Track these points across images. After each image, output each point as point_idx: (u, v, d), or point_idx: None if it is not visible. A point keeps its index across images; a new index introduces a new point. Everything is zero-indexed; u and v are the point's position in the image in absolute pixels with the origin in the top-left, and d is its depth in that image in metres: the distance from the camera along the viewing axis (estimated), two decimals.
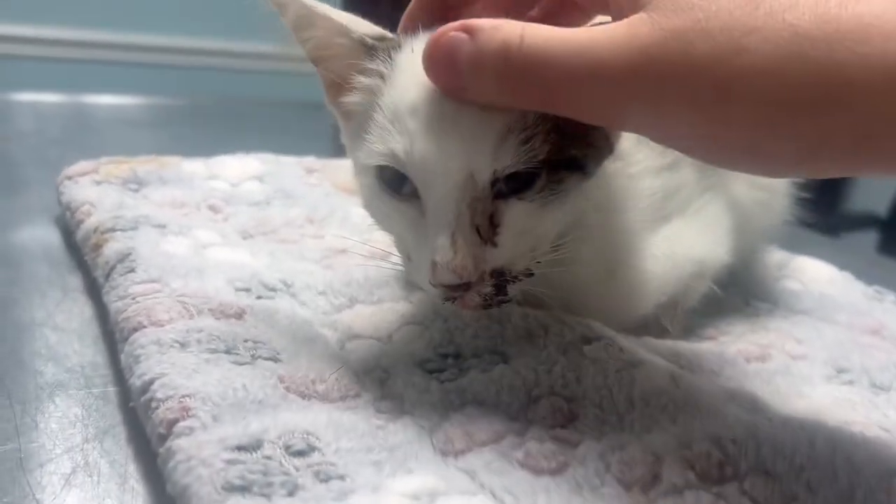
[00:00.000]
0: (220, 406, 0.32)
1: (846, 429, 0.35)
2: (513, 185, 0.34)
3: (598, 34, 0.29)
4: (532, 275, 0.37)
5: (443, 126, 0.34)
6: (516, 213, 0.35)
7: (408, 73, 0.35)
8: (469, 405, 0.35)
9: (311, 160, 0.71)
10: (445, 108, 0.34)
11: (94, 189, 0.59)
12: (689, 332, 0.48)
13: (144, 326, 0.38)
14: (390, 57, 0.37)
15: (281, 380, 0.35)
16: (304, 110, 1.22)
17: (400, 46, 0.37)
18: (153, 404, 0.33)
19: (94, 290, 0.48)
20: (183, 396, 0.32)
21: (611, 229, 0.43)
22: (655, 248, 0.45)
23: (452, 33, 0.31)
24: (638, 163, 0.44)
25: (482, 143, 0.33)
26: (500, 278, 0.35)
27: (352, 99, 0.39)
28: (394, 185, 0.36)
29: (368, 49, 0.37)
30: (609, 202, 0.43)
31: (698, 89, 0.28)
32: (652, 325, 0.46)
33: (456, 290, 0.35)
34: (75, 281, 0.51)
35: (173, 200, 0.60)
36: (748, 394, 0.38)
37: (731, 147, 0.29)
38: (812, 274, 0.56)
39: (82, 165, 0.63)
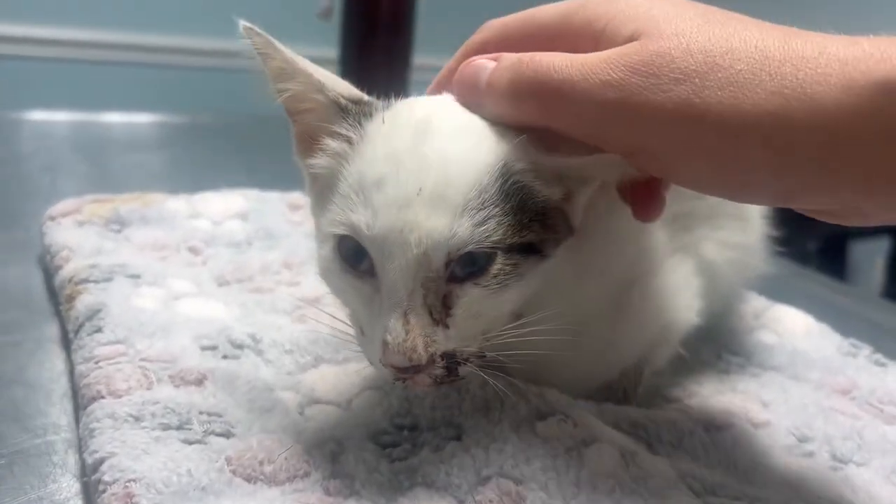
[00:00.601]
0: (163, 494, 0.32)
1: None
2: (468, 269, 0.35)
3: (593, 56, 0.34)
4: (484, 356, 0.37)
5: (405, 202, 0.34)
6: (470, 298, 0.35)
7: (377, 144, 0.36)
8: (418, 486, 0.35)
9: (296, 196, 0.72)
10: (409, 185, 0.34)
11: (76, 232, 0.59)
12: (655, 391, 0.48)
13: (102, 397, 0.39)
14: (360, 124, 0.37)
15: (228, 462, 0.35)
16: None
17: (371, 115, 0.37)
18: (101, 486, 0.33)
19: (68, 342, 0.48)
20: (129, 481, 0.33)
21: (582, 296, 0.43)
22: (621, 313, 0.45)
23: (480, 59, 0.38)
24: (620, 230, 0.44)
25: (438, 221, 0.34)
26: (451, 360, 0.35)
27: (319, 162, 0.39)
28: (351, 259, 0.36)
29: (341, 110, 0.38)
30: (591, 267, 0.43)
31: (677, 100, 0.32)
32: (616, 389, 0.46)
33: (406, 372, 0.35)
34: (51, 330, 0.51)
35: (154, 242, 0.60)
36: (701, 472, 0.38)
37: (703, 154, 0.33)
38: (788, 325, 0.56)
39: (65, 205, 0.63)
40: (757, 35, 0.32)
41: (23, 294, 0.56)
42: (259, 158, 0.99)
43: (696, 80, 0.31)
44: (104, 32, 2.11)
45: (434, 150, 0.35)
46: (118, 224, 0.62)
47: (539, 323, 0.37)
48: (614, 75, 0.33)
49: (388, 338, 0.34)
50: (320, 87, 0.38)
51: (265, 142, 1.18)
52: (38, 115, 1.09)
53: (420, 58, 1.11)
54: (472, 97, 0.38)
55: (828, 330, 0.56)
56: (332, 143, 0.38)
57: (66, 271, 0.53)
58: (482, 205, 0.34)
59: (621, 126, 0.34)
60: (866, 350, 0.54)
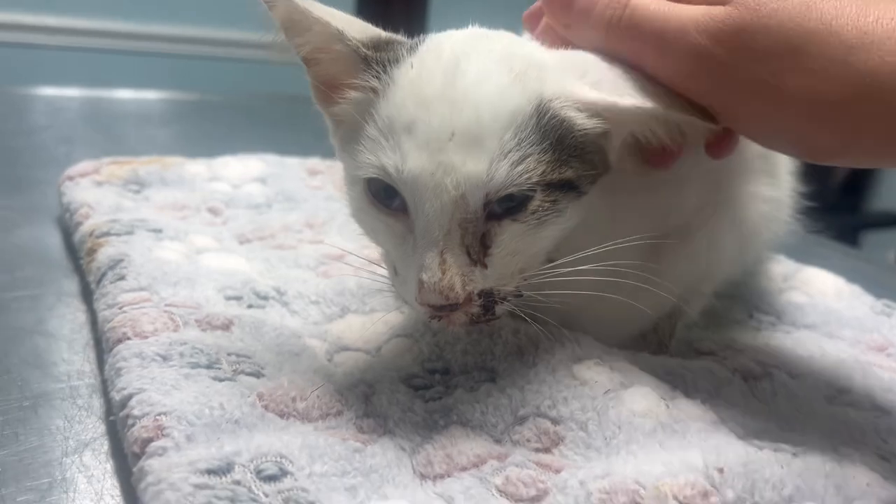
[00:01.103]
0: (194, 425, 0.31)
1: (841, 457, 0.34)
2: (506, 205, 0.34)
3: (685, 12, 0.34)
4: (521, 295, 0.36)
5: (437, 146, 0.33)
6: (509, 235, 0.34)
7: (406, 90, 0.35)
8: (453, 425, 0.34)
9: (315, 162, 0.71)
10: (442, 129, 0.33)
11: (95, 191, 0.59)
12: (688, 346, 0.47)
13: (129, 338, 0.38)
14: (386, 70, 0.36)
15: (260, 397, 0.34)
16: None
17: (398, 61, 0.36)
18: (130, 421, 0.32)
19: (88, 295, 0.47)
20: (159, 414, 0.32)
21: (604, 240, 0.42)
22: (657, 261, 0.44)
23: None
24: (682, 177, 0.43)
25: (475, 165, 0.32)
26: (488, 299, 0.34)
27: (342, 108, 0.38)
28: (382, 198, 0.35)
29: (363, 59, 0.36)
30: (626, 213, 0.42)
31: (757, 78, 0.33)
32: (650, 340, 0.45)
33: (442, 310, 0.34)
34: (71, 285, 0.51)
35: (174, 202, 0.59)
36: (741, 418, 0.37)
37: (779, 130, 0.35)
38: (819, 286, 0.55)
39: (84, 165, 0.63)
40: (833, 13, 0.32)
41: (41, 252, 0.56)
42: (272, 133, 0.98)
43: (775, 62, 0.32)
44: (114, 21, 2.11)
45: (465, 93, 0.34)
46: (137, 185, 0.61)
47: (575, 265, 0.36)
48: (701, 41, 0.34)
49: (425, 276, 0.33)
50: (339, 37, 0.36)
51: (277, 117, 1.17)
52: (50, 91, 1.09)
53: (436, 31, 1.10)
54: (561, 17, 0.39)
55: (859, 290, 0.55)
56: (355, 94, 0.37)
57: (86, 227, 0.52)
58: (519, 144, 0.33)
59: (704, 87, 0.35)
60: None
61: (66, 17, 2.06)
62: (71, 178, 0.61)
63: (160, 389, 0.33)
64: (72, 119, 0.99)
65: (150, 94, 1.16)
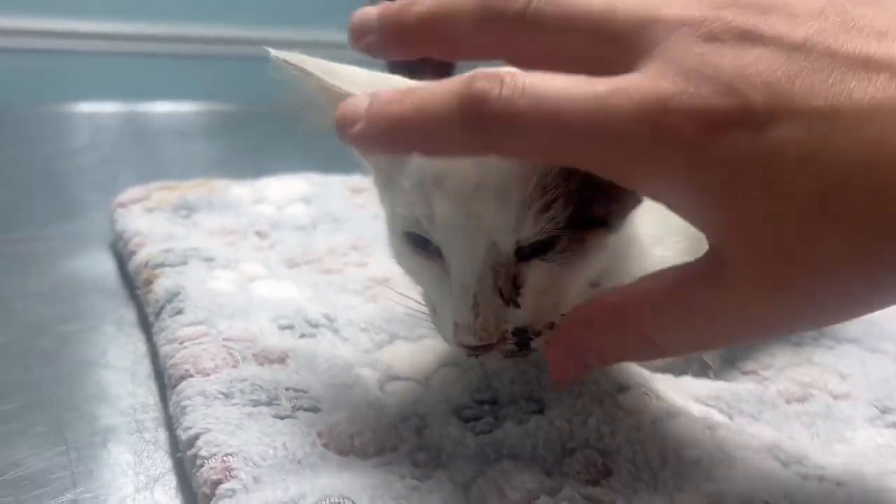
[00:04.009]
0: (260, 467, 0.33)
1: (885, 482, 0.34)
2: (535, 246, 0.35)
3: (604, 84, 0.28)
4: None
5: (465, 198, 0.34)
6: (539, 274, 0.35)
7: None
8: (505, 459, 0.36)
9: (357, 179, 0.72)
10: (467, 181, 0.34)
11: (146, 218, 0.61)
12: (730, 365, 0.47)
13: (191, 375, 0.40)
14: None
15: (320, 435, 0.36)
16: None
17: None
18: (198, 461, 0.34)
19: (146, 325, 0.49)
20: (226, 455, 0.33)
21: (644, 264, 0.43)
22: None
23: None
24: None
25: (504, 216, 0.34)
26: (523, 336, 0.36)
27: (377, 161, 0.40)
28: (420, 243, 0.37)
29: None
30: (645, 235, 0.43)
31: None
32: (693, 361, 0.46)
33: (477, 350, 0.35)
34: (128, 314, 0.53)
35: (222, 228, 0.61)
36: (786, 443, 0.38)
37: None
38: None
39: (134, 192, 0.65)
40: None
41: (96, 281, 0.58)
42: (312, 144, 1.00)
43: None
44: (145, 25, 2.14)
45: None
46: (186, 210, 0.63)
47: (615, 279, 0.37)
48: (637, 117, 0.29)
49: (459, 319, 0.34)
50: None
51: (306, 131, 1.19)
52: (87, 107, 1.12)
53: None
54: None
55: None
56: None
57: (141, 256, 0.54)
58: (544, 190, 0.34)
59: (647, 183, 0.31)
60: None
61: (93, 22, 2.09)
62: (123, 206, 0.63)
63: (225, 429, 0.35)
64: (112, 137, 1.02)
65: (188, 107, 1.19)
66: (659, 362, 0.43)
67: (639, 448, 0.35)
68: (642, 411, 0.37)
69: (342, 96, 0.35)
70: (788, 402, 0.42)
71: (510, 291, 0.35)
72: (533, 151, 0.29)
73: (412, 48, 0.33)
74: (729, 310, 0.29)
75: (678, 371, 0.44)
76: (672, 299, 0.30)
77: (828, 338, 0.51)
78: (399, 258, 0.40)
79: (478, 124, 0.28)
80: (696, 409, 0.39)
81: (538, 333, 0.36)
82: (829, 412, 0.42)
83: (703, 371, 0.46)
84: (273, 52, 0.37)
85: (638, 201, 0.38)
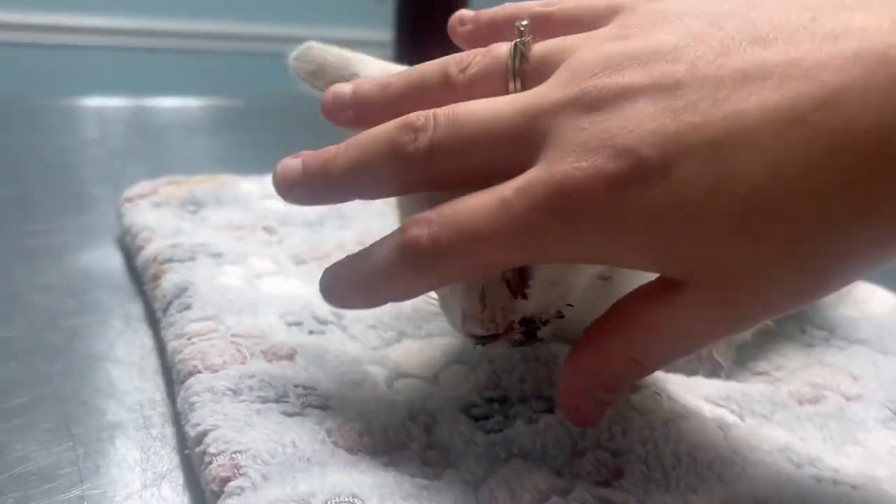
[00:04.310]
0: (269, 464, 0.32)
1: None
2: None
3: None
4: (563, 317, 0.37)
5: None
6: (546, 267, 0.35)
7: None
8: (514, 458, 0.35)
9: None
10: None
11: (154, 213, 0.60)
12: (741, 365, 0.47)
13: (199, 371, 0.39)
14: None
15: (329, 433, 0.35)
16: None
17: None
18: (206, 458, 0.34)
19: (154, 320, 0.49)
20: (234, 452, 0.33)
21: None
22: None
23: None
24: None
25: None
26: (530, 325, 0.36)
27: None
28: None
29: None
30: None
31: None
32: (705, 362, 0.46)
33: (484, 340, 0.35)
34: (136, 309, 0.52)
35: (230, 223, 0.61)
36: (798, 444, 0.37)
37: None
38: (874, 306, 0.55)
39: (142, 187, 0.64)
40: None
41: (105, 275, 0.58)
42: (318, 142, 1.00)
43: None
44: (154, 20, 2.14)
45: None
46: (194, 205, 0.63)
47: (621, 285, 0.37)
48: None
49: (466, 309, 0.35)
50: None
51: (322, 124, 1.18)
52: (94, 102, 1.11)
53: None
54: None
55: None
56: None
57: (149, 251, 0.54)
58: None
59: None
60: None
61: (102, 18, 2.09)
62: (130, 200, 0.63)
63: (234, 426, 0.35)
64: (121, 131, 1.02)
65: (194, 102, 1.19)
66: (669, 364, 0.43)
67: (651, 448, 0.35)
68: (654, 411, 0.37)
69: None
70: (800, 403, 0.42)
71: (517, 283, 0.35)
72: (474, 270, 0.33)
73: (339, 197, 0.39)
74: (690, 322, 0.30)
75: (689, 371, 0.44)
76: (639, 323, 0.32)
77: (839, 339, 0.51)
78: None
79: (420, 267, 0.32)
80: (708, 410, 0.39)
81: (545, 323, 0.36)
82: (842, 414, 0.41)
83: (714, 371, 0.45)
84: (291, 56, 0.38)
85: None
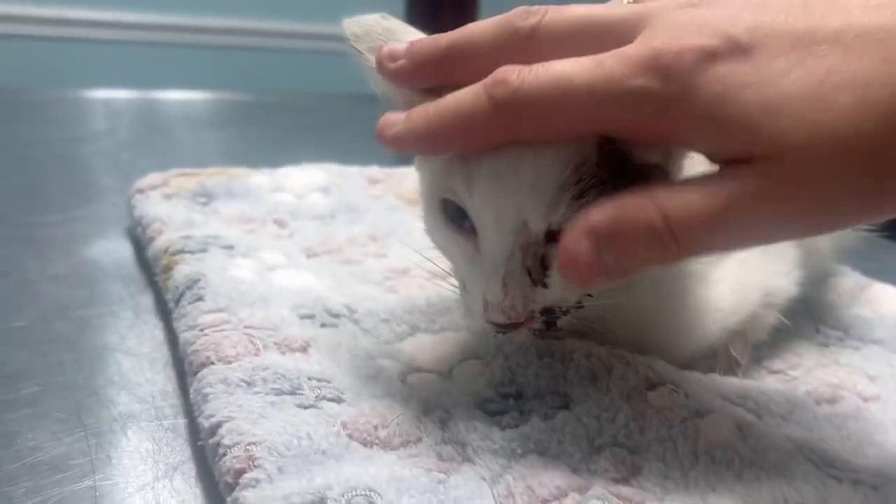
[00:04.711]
0: (285, 457, 0.32)
1: None
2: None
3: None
4: (582, 307, 0.37)
5: (502, 175, 0.34)
6: None
7: None
8: (531, 454, 0.35)
9: (374, 170, 0.72)
10: (506, 157, 0.34)
11: (165, 204, 0.60)
12: (757, 364, 0.47)
13: (212, 363, 0.39)
14: None
15: (344, 426, 0.35)
16: (372, 102, 1.23)
17: None
18: (220, 450, 0.33)
19: (165, 311, 0.49)
20: (249, 444, 0.33)
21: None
22: (722, 278, 0.44)
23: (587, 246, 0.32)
24: None
25: (537, 197, 0.34)
26: (550, 315, 0.36)
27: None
28: (456, 218, 0.37)
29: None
30: None
31: None
32: (721, 358, 0.45)
33: (506, 328, 0.36)
34: (146, 300, 0.52)
35: (241, 215, 0.61)
36: (817, 444, 0.37)
37: None
38: (887, 306, 0.54)
39: (153, 178, 0.64)
40: None
41: (115, 266, 0.58)
42: (327, 136, 1.00)
43: None
44: (163, 15, 2.14)
45: None
46: (205, 197, 0.63)
47: (632, 290, 0.37)
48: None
49: (489, 296, 0.35)
50: None
51: (331, 119, 1.19)
52: (103, 94, 1.11)
53: None
54: (601, 283, 0.33)
55: None
56: None
57: (160, 242, 0.54)
58: (580, 177, 0.34)
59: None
60: None
61: (111, 11, 2.09)
62: (141, 191, 0.62)
63: (248, 418, 0.34)
64: (130, 123, 1.02)
65: (202, 95, 1.19)
66: (684, 357, 0.43)
67: (669, 446, 0.35)
68: (672, 409, 0.37)
69: None
70: (818, 402, 0.41)
71: (539, 272, 0.35)
72: (557, 125, 0.33)
73: (440, 75, 0.37)
74: (747, 201, 0.30)
75: (706, 368, 0.44)
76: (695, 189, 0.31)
77: (854, 339, 0.51)
78: (432, 231, 0.40)
79: (506, 107, 0.32)
80: (726, 408, 0.39)
81: (566, 312, 0.36)
82: (860, 414, 0.41)
83: (730, 369, 0.45)
84: (345, 21, 0.39)
85: None
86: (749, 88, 0.29)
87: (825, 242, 0.50)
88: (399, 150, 0.36)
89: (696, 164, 0.34)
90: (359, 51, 0.39)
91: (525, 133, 0.33)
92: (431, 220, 0.40)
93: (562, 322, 0.36)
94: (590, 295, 0.36)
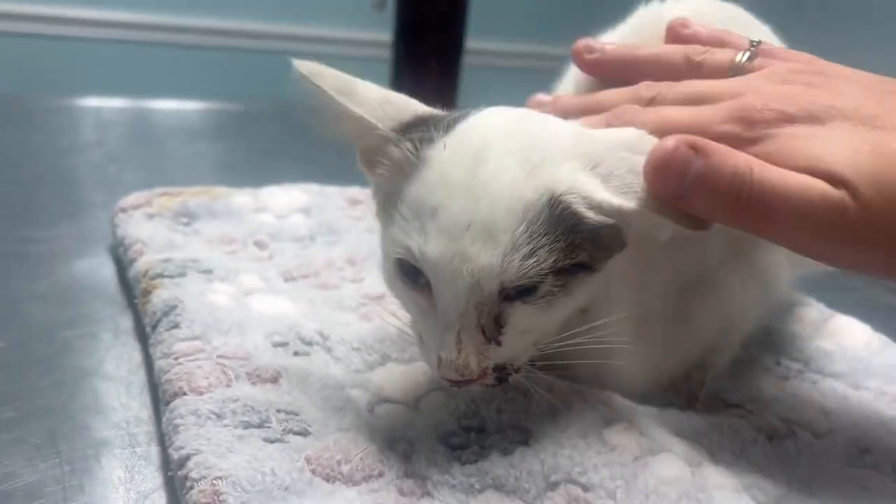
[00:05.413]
0: (249, 492, 0.34)
1: None
2: (519, 289, 0.36)
3: (804, 185, 0.35)
4: (535, 364, 0.38)
5: (456, 235, 0.35)
6: (521, 315, 0.37)
7: (435, 173, 0.37)
8: (489, 489, 0.36)
9: (354, 191, 0.73)
10: (461, 219, 0.35)
11: (147, 224, 0.61)
12: (716, 397, 0.48)
13: (185, 393, 0.40)
14: (419, 151, 0.38)
15: (308, 461, 0.36)
16: None
17: (432, 140, 0.38)
18: (188, 483, 0.35)
19: (143, 333, 0.50)
20: (216, 478, 0.34)
21: (636, 289, 0.44)
22: (679, 312, 0.46)
23: (683, 145, 0.36)
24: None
25: (489, 258, 0.35)
26: (503, 372, 0.38)
27: (380, 177, 0.41)
28: (411, 275, 0.38)
29: (397, 143, 0.39)
30: (640, 260, 0.44)
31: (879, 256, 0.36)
32: (681, 392, 0.47)
33: (459, 384, 0.37)
34: (126, 322, 0.53)
35: (222, 236, 0.62)
36: (764, 483, 0.38)
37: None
38: (849, 339, 0.56)
39: (136, 197, 0.65)
40: None
41: (97, 286, 0.59)
42: (314, 149, 1.00)
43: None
44: (153, 15, 2.14)
45: (484, 185, 0.36)
46: (187, 217, 0.64)
47: (591, 331, 0.38)
48: (824, 218, 0.35)
49: (443, 354, 0.36)
50: (373, 128, 0.39)
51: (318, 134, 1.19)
52: (94, 102, 1.12)
53: (473, 42, 1.12)
54: (673, 188, 0.36)
55: (888, 340, 0.56)
56: (389, 170, 0.40)
57: (140, 264, 0.55)
58: (531, 238, 0.35)
59: (831, 253, 0.37)
60: None
61: (98, 10, 2.09)
62: (124, 210, 0.64)
63: (216, 452, 0.36)
64: (120, 134, 1.02)
65: (194, 105, 1.20)
66: (643, 392, 0.44)
67: (620, 483, 0.36)
68: (626, 447, 0.38)
69: (352, 116, 0.39)
70: (771, 439, 0.43)
71: (492, 330, 0.36)
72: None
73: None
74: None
75: (664, 402, 0.45)
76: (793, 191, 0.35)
77: (813, 371, 0.52)
78: (390, 284, 0.41)
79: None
80: (679, 445, 0.40)
81: (518, 370, 0.37)
82: (810, 450, 0.43)
83: (689, 402, 0.46)
84: (295, 62, 0.39)
85: (623, 245, 0.39)
86: (816, 139, 0.36)
87: (784, 274, 0.51)
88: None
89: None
90: (322, 88, 0.39)
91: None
92: (389, 276, 0.41)
93: (513, 379, 0.37)
94: (542, 349, 0.38)
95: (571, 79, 0.51)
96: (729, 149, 0.36)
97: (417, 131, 0.39)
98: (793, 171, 0.36)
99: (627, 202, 0.36)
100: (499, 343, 0.36)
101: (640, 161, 0.37)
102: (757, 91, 0.39)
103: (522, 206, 0.35)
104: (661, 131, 0.38)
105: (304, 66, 0.39)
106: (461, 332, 0.36)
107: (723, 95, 0.40)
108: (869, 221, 0.34)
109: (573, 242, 0.36)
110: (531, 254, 0.35)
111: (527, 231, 0.35)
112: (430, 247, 0.36)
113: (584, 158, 0.37)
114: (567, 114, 0.43)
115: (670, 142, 0.36)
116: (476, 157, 0.36)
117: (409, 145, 0.38)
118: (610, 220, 0.37)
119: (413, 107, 0.41)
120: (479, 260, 0.35)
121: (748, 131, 0.37)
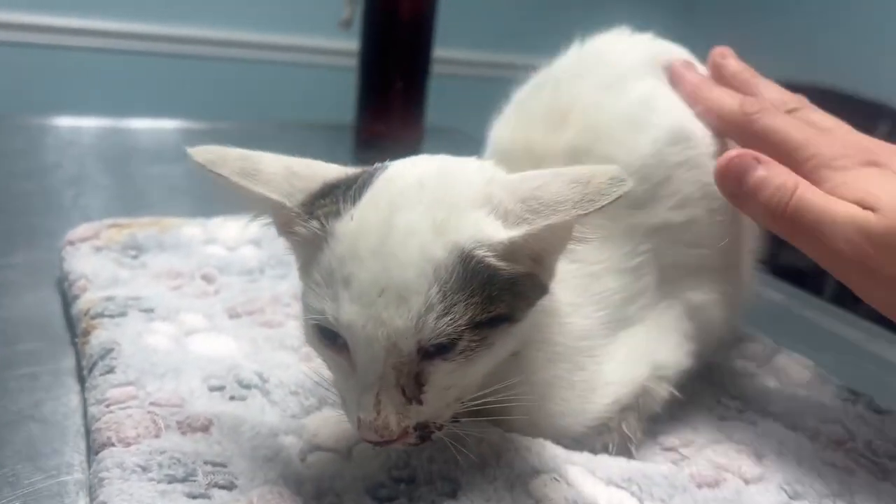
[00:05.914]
0: None
1: None
2: (437, 346, 0.36)
3: (842, 209, 0.43)
4: (458, 422, 0.39)
5: (369, 301, 0.35)
6: (442, 373, 0.37)
7: (345, 243, 0.37)
8: None
9: None
10: (373, 286, 0.35)
11: (93, 259, 0.61)
12: (652, 440, 0.49)
13: (113, 444, 0.40)
14: (327, 225, 0.38)
15: None
16: (327, 132, 1.24)
17: (340, 213, 0.38)
18: None
19: (82, 376, 0.50)
20: None
21: (564, 333, 0.44)
22: (612, 353, 0.46)
23: (749, 156, 0.45)
24: (601, 262, 0.46)
25: (403, 321, 0.35)
26: (425, 430, 0.38)
27: (295, 246, 0.41)
28: (329, 336, 0.38)
29: (305, 219, 0.39)
30: (564, 304, 0.44)
31: None
32: (615, 435, 0.47)
33: (379, 444, 0.37)
34: (67, 361, 0.53)
35: (170, 270, 0.62)
36: None
37: None
38: (793, 376, 0.56)
39: (85, 229, 0.65)
40: None
41: (41, 322, 0.58)
42: None
43: None
44: (128, 23, 2.13)
45: (393, 250, 0.36)
46: (135, 250, 0.64)
47: (512, 387, 0.39)
48: (855, 238, 0.42)
49: (361, 415, 0.36)
50: (280, 206, 0.39)
51: (285, 150, 1.19)
52: (65, 122, 1.12)
53: (441, 51, 1.12)
54: (735, 190, 0.45)
55: (827, 376, 0.57)
56: (300, 243, 0.40)
57: (83, 302, 0.55)
58: (444, 296, 0.35)
59: (852, 274, 0.43)
60: (866, 397, 0.54)
61: (74, 18, 2.08)
62: (72, 243, 0.63)
63: None
64: (82, 155, 1.01)
65: (166, 124, 1.19)
66: (574, 437, 0.45)
67: None
68: (552, 500, 0.38)
69: (259, 198, 0.38)
70: (700, 486, 0.43)
71: (413, 389, 0.36)
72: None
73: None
74: None
75: (599, 446, 0.45)
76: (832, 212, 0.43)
77: (752, 411, 0.53)
78: (310, 343, 0.41)
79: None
80: (607, 494, 0.40)
81: (440, 428, 0.37)
82: (739, 498, 0.43)
83: (624, 446, 0.47)
84: (189, 151, 0.39)
85: (544, 292, 0.39)
86: (873, 179, 0.43)
87: (718, 313, 0.52)
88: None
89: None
90: (222, 175, 0.39)
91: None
92: (308, 337, 0.41)
93: (436, 436, 0.37)
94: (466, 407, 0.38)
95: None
96: (785, 168, 0.45)
97: (326, 203, 0.38)
98: (839, 198, 0.43)
99: (518, 230, 0.36)
100: (420, 402, 0.36)
101: (531, 186, 0.37)
102: (828, 143, 0.46)
103: (433, 266, 0.35)
104: (802, 133, 0.47)
105: (201, 155, 0.39)
106: (380, 393, 0.36)
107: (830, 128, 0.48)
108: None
109: (490, 295, 0.36)
110: (445, 312, 0.35)
111: (440, 291, 0.35)
112: (343, 313, 0.36)
113: (483, 200, 0.37)
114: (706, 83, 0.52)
115: (739, 150, 0.46)
116: (384, 223, 0.36)
117: (315, 224, 0.38)
118: (524, 268, 0.37)
119: (321, 173, 0.40)
120: (394, 323, 0.35)
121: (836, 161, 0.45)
